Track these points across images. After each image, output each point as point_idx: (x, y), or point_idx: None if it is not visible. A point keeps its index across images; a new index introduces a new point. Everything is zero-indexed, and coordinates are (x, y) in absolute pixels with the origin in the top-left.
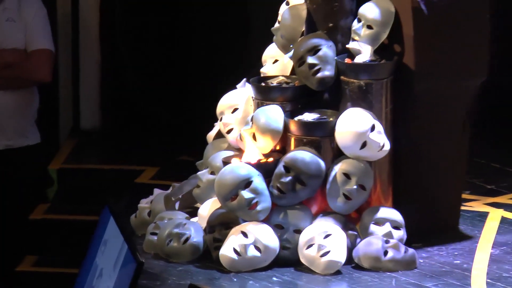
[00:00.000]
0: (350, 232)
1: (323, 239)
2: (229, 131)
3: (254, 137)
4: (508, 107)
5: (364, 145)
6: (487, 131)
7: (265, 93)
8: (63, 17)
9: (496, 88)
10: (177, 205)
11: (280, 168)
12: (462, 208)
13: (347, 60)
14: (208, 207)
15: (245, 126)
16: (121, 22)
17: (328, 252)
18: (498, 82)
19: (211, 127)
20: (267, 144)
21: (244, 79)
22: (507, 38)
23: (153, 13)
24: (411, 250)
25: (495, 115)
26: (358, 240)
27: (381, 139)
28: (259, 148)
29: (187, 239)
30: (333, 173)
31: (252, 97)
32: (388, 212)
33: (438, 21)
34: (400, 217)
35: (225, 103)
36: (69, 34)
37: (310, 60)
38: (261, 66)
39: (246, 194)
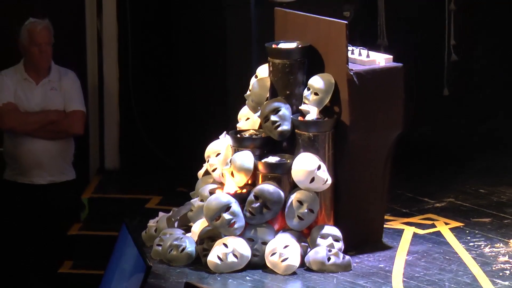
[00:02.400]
0: (302, 243)
1: (283, 249)
2: (214, 170)
3: (232, 174)
4: (418, 151)
5: (312, 180)
6: (403, 169)
7: (240, 142)
8: (92, 87)
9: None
10: (176, 224)
11: (251, 196)
12: (385, 226)
13: (300, 118)
14: (199, 225)
15: (225, 166)
16: (134, 91)
17: (287, 258)
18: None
19: (201, 167)
20: (242, 179)
21: (225, 132)
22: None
23: (157, 90)
24: (347, 257)
25: (408, 157)
26: (309, 249)
27: (325, 176)
28: (235, 182)
29: (184, 249)
30: (290, 201)
31: (231, 145)
32: (330, 229)
33: (366, 89)
34: (339, 232)
35: (211, 149)
36: (97, 99)
37: (273, 118)
38: (237, 122)
39: (226, 216)
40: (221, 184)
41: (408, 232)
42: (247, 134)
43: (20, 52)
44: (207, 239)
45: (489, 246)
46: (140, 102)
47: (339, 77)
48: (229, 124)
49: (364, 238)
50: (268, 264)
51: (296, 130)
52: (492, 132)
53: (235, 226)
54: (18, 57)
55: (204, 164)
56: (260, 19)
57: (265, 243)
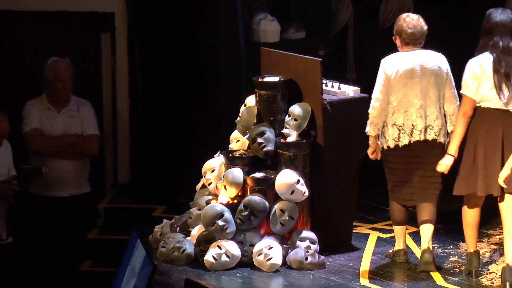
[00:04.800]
0: (284, 245)
1: (268, 250)
2: (209, 184)
3: (225, 187)
4: (382, 167)
5: (292, 192)
6: (369, 183)
7: (232, 160)
8: (107, 115)
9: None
10: (178, 229)
11: (241, 206)
12: (353, 231)
13: (282, 140)
14: (197, 230)
15: (219, 180)
16: (142, 119)
17: (271, 258)
18: None
19: (198, 181)
20: (233, 192)
21: (219, 152)
22: None
23: (161, 117)
24: (322, 257)
25: (372, 173)
26: (289, 250)
27: (303, 189)
28: (228, 194)
29: (184, 250)
30: (273, 209)
31: (224, 163)
32: (308, 233)
33: (337, 116)
34: (315, 236)
35: (207, 166)
36: (111, 125)
37: (259, 140)
38: (229, 143)
39: (220, 222)
40: (216, 196)
41: (373, 236)
42: (237, 154)
43: (44, 86)
44: (204, 242)
45: (441, 248)
46: (147, 128)
47: (315, 106)
48: (222, 145)
49: (336, 241)
50: (255, 263)
51: (279, 150)
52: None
53: (228, 231)
54: (41, 89)
55: (201, 179)
56: (248, 57)
57: (252, 245)
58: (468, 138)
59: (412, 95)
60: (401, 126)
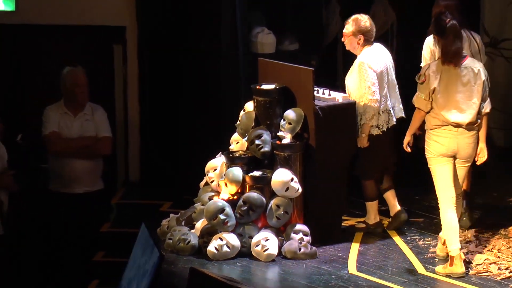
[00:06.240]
0: (279, 237)
1: (265, 241)
2: (212, 181)
3: (226, 185)
4: None
5: (287, 189)
6: (356, 181)
7: (232, 160)
8: (119, 119)
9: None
10: (183, 223)
11: (240, 202)
12: (342, 224)
13: (277, 142)
14: (200, 224)
15: (221, 178)
16: (151, 122)
17: (267, 248)
18: None
19: (202, 179)
20: (233, 189)
21: (220, 152)
22: None
23: (168, 121)
24: (314, 248)
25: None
26: (284, 242)
27: (297, 186)
28: (228, 191)
29: (189, 241)
30: (270, 205)
31: (225, 162)
32: (301, 227)
33: (328, 120)
34: (307, 229)
35: (209, 165)
36: (123, 128)
37: (257, 142)
38: (229, 145)
39: (222, 216)
40: (218, 192)
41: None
42: (237, 154)
43: (61, 92)
44: (207, 234)
45: (422, 239)
46: (155, 130)
47: (308, 111)
48: (223, 146)
49: (326, 233)
50: (253, 253)
51: (274, 151)
52: (421, 152)
53: (228, 224)
54: (59, 95)
55: (204, 177)
56: (247, 66)
57: (251, 237)
58: None
59: (391, 81)
60: (389, 110)
